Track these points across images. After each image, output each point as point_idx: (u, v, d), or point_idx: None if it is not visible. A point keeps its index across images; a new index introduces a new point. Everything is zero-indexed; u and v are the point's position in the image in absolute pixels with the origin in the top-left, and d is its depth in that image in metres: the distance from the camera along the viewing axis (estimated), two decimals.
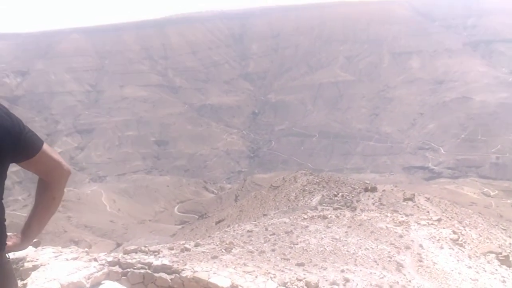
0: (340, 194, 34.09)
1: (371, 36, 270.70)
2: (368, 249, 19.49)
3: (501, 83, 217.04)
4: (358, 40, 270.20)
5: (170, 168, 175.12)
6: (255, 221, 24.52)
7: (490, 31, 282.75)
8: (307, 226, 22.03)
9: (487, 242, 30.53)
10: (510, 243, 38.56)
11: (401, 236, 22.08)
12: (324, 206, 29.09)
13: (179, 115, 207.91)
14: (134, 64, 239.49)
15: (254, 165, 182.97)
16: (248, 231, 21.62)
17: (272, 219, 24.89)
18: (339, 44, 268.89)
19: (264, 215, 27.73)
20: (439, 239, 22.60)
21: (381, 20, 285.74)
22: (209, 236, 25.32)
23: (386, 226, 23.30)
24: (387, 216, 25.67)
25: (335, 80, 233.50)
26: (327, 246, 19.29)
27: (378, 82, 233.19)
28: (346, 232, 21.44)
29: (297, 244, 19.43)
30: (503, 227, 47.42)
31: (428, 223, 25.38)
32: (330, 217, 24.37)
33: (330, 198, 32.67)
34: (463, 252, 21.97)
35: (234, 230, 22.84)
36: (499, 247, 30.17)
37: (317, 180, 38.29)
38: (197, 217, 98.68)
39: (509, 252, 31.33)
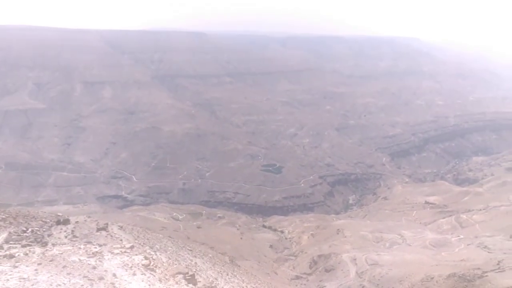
0: (30, 229, 32.04)
1: (62, 63, 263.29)
2: (60, 285, 18.97)
3: (186, 115, 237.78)
4: (48, 67, 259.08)
5: None
6: None
7: (174, 67, 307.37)
8: None
9: (176, 264, 33.03)
10: (195, 263, 42.49)
11: (94, 268, 22.11)
12: (11, 244, 26.99)
13: None
14: None
15: None
16: None
17: None
18: (28, 70, 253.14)
19: None
20: (131, 266, 23.33)
21: (72, 49, 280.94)
22: None
23: (79, 259, 23.02)
24: (80, 248, 25.40)
25: (24, 107, 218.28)
26: None
27: (70, 111, 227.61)
28: (36, 270, 20.40)
29: None
30: (189, 248, 51.94)
31: (121, 251, 25.96)
32: (18, 255, 22.82)
33: (18, 235, 30.38)
34: (154, 276, 23.09)
35: None
36: (186, 267, 32.99)
37: (3, 216, 35.14)
38: None
39: (195, 271, 34.54)
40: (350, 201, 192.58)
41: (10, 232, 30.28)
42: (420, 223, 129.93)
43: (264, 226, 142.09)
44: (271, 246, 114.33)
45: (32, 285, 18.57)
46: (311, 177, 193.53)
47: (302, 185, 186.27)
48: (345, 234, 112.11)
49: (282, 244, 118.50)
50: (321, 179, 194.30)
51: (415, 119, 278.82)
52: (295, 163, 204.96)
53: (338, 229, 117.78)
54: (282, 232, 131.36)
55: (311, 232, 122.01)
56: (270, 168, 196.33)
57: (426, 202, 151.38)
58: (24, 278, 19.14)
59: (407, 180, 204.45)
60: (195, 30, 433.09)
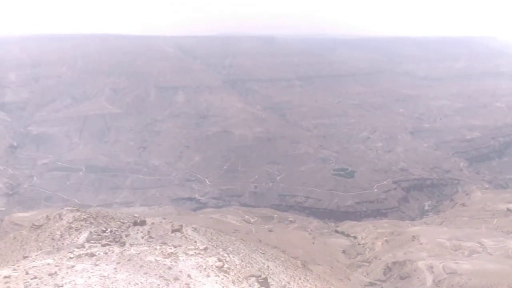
0: (109, 229, 33.11)
1: (137, 70, 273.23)
2: (137, 284, 19.24)
3: (256, 119, 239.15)
4: (124, 73, 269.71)
5: None
6: (13, 265, 22.16)
7: (244, 71, 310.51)
8: (73, 266, 20.79)
9: (249, 267, 32.88)
10: (268, 266, 42.18)
11: (170, 268, 22.32)
12: (92, 243, 27.92)
13: None
14: None
15: (13, 203, 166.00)
16: (5, 276, 19.42)
17: (34, 261, 22.81)
18: (105, 77, 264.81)
19: (25, 257, 25.26)
20: (205, 268, 23.37)
21: (146, 55, 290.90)
22: None
23: (155, 259, 23.33)
24: (156, 249, 25.74)
25: (102, 112, 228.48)
26: (95, 285, 18.51)
27: (145, 115, 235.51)
28: (115, 268, 20.86)
29: (62, 286, 18.21)
30: (262, 251, 51.73)
31: (195, 252, 26.07)
32: (99, 254, 23.47)
33: (98, 235, 31.48)
34: (228, 278, 22.99)
35: None
36: (259, 270, 32.70)
37: (85, 216, 36.53)
38: None
39: (267, 274, 34.23)
40: (426, 207, 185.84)
41: (91, 232, 31.39)
42: (502, 231, 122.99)
43: (336, 231, 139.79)
44: (343, 252, 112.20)
45: (112, 283, 18.96)
46: (385, 182, 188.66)
47: (375, 190, 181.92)
48: (421, 241, 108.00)
49: (355, 250, 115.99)
50: (395, 184, 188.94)
51: (495, 122, 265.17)
52: (368, 167, 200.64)
53: (414, 236, 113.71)
54: (355, 237, 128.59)
55: (385, 238, 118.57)
56: (342, 173, 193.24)
57: (508, 210, 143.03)
58: (104, 276, 19.61)
59: (486, 186, 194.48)
60: (265, 34, 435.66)
